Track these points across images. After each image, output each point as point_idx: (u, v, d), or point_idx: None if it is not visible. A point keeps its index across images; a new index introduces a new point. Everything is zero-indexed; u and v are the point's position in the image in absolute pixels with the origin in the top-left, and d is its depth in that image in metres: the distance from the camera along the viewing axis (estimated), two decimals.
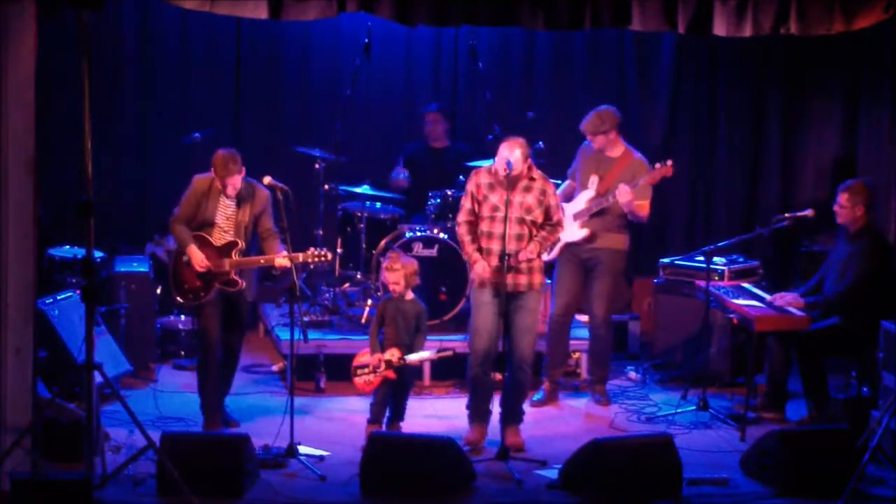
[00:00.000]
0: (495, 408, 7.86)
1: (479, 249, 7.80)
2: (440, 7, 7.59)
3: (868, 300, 8.28)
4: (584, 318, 9.16)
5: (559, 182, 9.02)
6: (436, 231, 9.45)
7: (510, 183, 7.67)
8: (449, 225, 9.35)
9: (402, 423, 8.02)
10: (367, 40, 9.63)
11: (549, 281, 8.93)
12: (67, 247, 9.30)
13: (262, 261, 7.93)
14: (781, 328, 8.43)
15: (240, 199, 7.93)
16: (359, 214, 9.70)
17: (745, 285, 8.99)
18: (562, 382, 9.11)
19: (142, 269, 9.41)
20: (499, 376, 7.97)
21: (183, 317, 9.61)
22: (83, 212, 6.62)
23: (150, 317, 9.34)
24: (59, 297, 8.62)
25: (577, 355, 9.42)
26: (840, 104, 10.55)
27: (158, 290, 9.37)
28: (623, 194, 8.56)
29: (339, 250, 9.64)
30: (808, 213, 8.75)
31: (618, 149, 8.80)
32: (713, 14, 7.69)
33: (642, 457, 7.13)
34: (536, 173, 7.86)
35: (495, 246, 7.73)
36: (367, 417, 8.00)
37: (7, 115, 6.84)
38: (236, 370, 8.31)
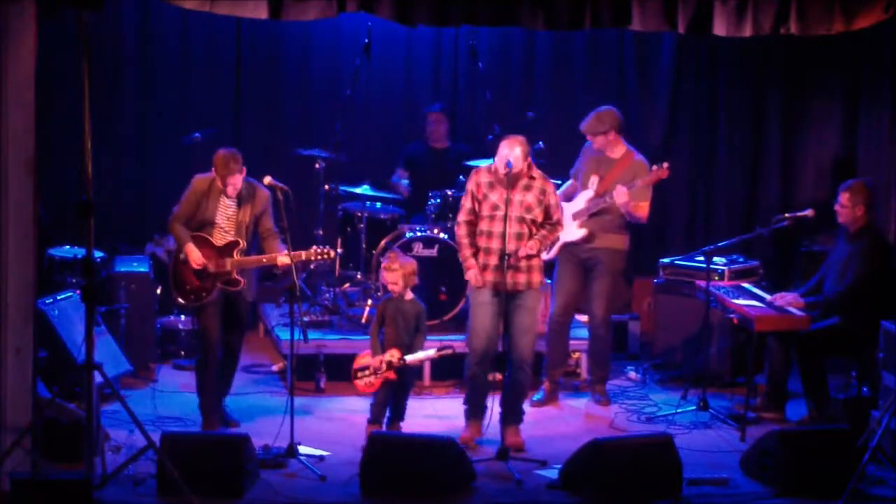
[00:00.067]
0: (495, 407, 7.85)
1: (479, 249, 7.81)
2: (440, 7, 7.59)
3: (868, 300, 8.28)
4: (583, 318, 9.16)
5: (559, 182, 9.03)
6: (436, 231, 9.45)
7: (510, 182, 7.68)
8: (449, 225, 9.35)
9: (402, 423, 8.02)
10: (367, 40, 9.63)
11: (548, 281, 8.94)
12: (67, 247, 9.30)
13: (264, 260, 7.93)
14: (781, 328, 8.43)
15: (240, 200, 7.93)
16: (359, 214, 9.70)
17: (745, 285, 8.99)
18: (562, 382, 9.11)
19: (142, 269, 9.41)
20: (499, 376, 7.99)
21: (183, 317, 9.61)
22: (83, 212, 6.62)
23: (150, 317, 9.34)
24: (59, 297, 8.62)
25: (577, 355, 9.42)
26: (840, 104, 10.54)
27: (158, 290, 9.37)
28: (620, 195, 8.56)
29: (339, 250, 9.64)
30: (808, 213, 8.75)
31: (618, 150, 8.80)
32: (713, 14, 7.69)
33: (642, 457, 7.13)
34: (536, 172, 7.87)
35: (495, 245, 7.73)
36: (368, 417, 8.00)
37: (7, 115, 6.84)
38: (236, 370, 8.31)
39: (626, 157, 8.78)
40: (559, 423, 8.55)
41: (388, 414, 7.99)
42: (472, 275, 7.83)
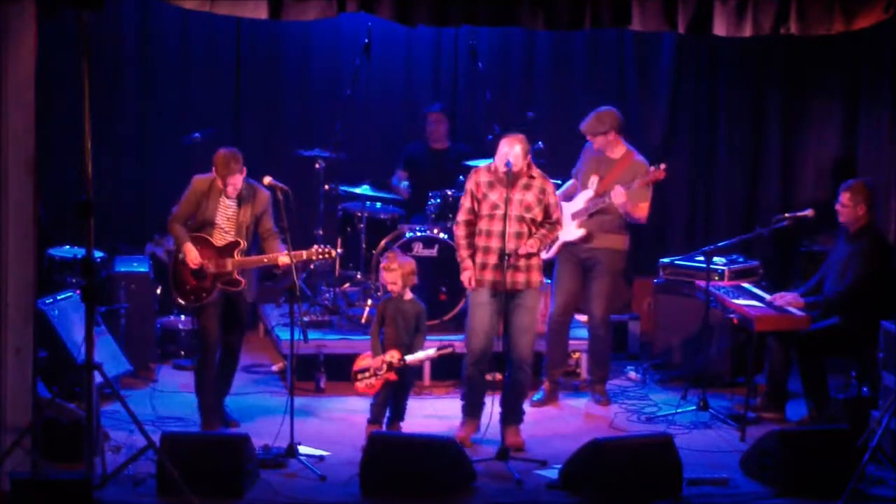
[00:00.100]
0: (495, 407, 7.84)
1: (478, 249, 7.82)
2: (440, 7, 7.59)
3: (868, 300, 8.28)
4: (583, 318, 9.16)
5: (559, 182, 9.03)
6: (436, 231, 9.45)
7: (510, 181, 7.68)
8: (449, 225, 9.35)
9: (402, 423, 8.02)
10: (367, 40, 9.63)
11: (548, 281, 8.94)
12: (67, 247, 9.30)
13: (265, 260, 7.93)
14: (781, 328, 8.43)
15: (240, 200, 7.93)
16: (359, 214, 9.70)
17: (745, 285, 8.99)
18: (562, 382, 9.11)
19: (142, 269, 9.41)
20: (499, 376, 7.99)
21: (183, 317, 9.61)
22: (83, 212, 6.62)
23: (150, 317, 9.34)
24: (59, 297, 8.61)
25: (577, 355, 9.43)
26: (840, 104, 10.54)
27: (158, 290, 9.37)
28: (617, 196, 8.56)
29: (339, 250, 9.64)
30: (808, 213, 8.75)
31: (619, 150, 8.80)
32: (713, 14, 7.69)
33: (642, 457, 7.13)
34: (536, 172, 7.88)
35: (494, 244, 7.74)
36: (368, 417, 8.00)
37: (7, 115, 6.84)
38: (236, 370, 8.31)
39: (627, 158, 8.77)
40: (559, 423, 8.55)
41: (388, 414, 7.99)
42: (466, 277, 7.84)
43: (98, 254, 8.88)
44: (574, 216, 8.78)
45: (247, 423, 8.13)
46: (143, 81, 10.54)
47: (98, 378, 6.76)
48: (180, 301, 8.01)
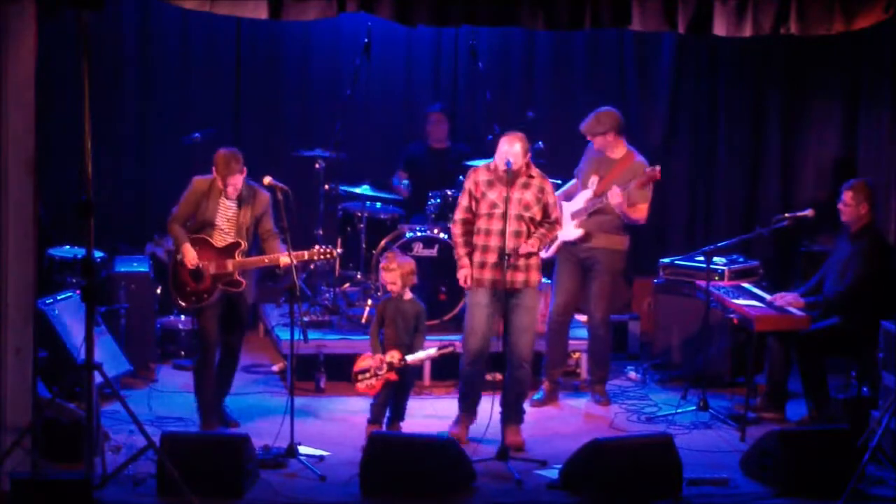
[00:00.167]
0: (495, 407, 7.84)
1: (476, 248, 7.83)
2: (440, 7, 7.59)
3: (868, 300, 8.28)
4: (583, 318, 9.16)
5: (560, 182, 9.04)
6: (436, 231, 9.45)
7: (510, 179, 7.68)
8: (449, 225, 9.34)
9: (402, 423, 8.02)
10: (367, 40, 9.63)
11: (548, 280, 8.94)
12: (67, 247, 9.29)
13: (266, 260, 7.92)
14: (781, 328, 8.43)
15: (240, 201, 7.92)
16: (359, 214, 9.70)
17: (745, 285, 8.99)
18: (561, 382, 9.11)
19: (142, 269, 9.41)
20: (499, 376, 7.99)
21: (183, 317, 9.61)
22: (83, 212, 6.62)
23: (150, 317, 9.34)
24: (59, 297, 8.61)
25: (577, 355, 9.43)
26: (840, 104, 10.54)
27: (158, 290, 9.37)
28: (613, 196, 8.55)
29: (339, 250, 9.63)
30: (808, 213, 8.75)
31: (619, 150, 8.79)
32: (713, 14, 7.69)
33: (642, 457, 7.13)
34: (535, 171, 7.88)
35: (493, 243, 7.75)
36: (368, 417, 8.00)
37: (7, 115, 6.84)
38: (236, 370, 8.30)
39: (627, 159, 8.77)
40: (559, 423, 8.55)
41: (388, 414, 7.99)
42: (462, 275, 7.85)
43: (98, 254, 8.88)
44: (573, 216, 8.78)
45: (247, 423, 8.13)
46: (143, 81, 10.54)
47: (98, 378, 6.76)
48: (181, 303, 8.01)
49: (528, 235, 7.81)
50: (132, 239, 10.24)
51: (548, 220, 7.89)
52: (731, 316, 8.66)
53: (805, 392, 8.41)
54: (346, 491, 7.10)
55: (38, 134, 6.92)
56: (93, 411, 6.76)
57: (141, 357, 9.13)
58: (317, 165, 9.77)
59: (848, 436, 7.34)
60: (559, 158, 9.66)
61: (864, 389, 8.19)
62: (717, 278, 9.28)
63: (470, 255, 7.86)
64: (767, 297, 8.64)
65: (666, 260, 9.80)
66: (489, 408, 7.74)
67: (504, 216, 7.67)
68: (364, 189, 9.84)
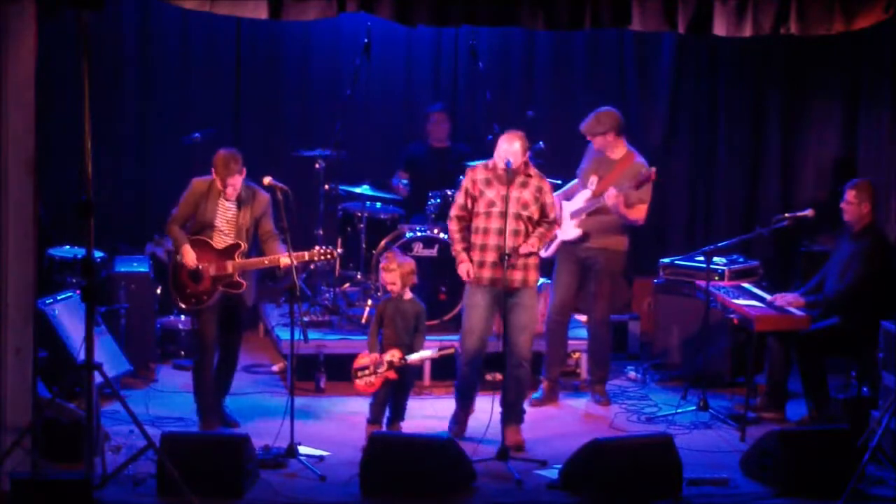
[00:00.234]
0: (495, 407, 7.83)
1: (474, 247, 7.84)
2: (440, 7, 7.59)
3: (868, 300, 8.28)
4: (583, 318, 9.16)
5: (560, 182, 9.04)
6: (436, 231, 9.44)
7: (510, 179, 7.68)
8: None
9: (402, 423, 8.02)
10: (367, 40, 9.62)
11: (548, 280, 8.95)
12: (67, 247, 9.29)
13: (266, 261, 7.92)
14: (781, 328, 8.43)
15: (240, 203, 7.91)
16: (359, 214, 9.70)
17: (745, 285, 8.99)
18: (561, 382, 9.11)
19: (142, 269, 9.41)
20: (499, 376, 7.99)
21: (183, 317, 9.61)
22: (83, 212, 6.62)
23: (150, 317, 9.34)
24: (59, 297, 8.61)
25: (577, 355, 9.42)
26: (840, 104, 10.55)
27: (158, 290, 9.37)
28: (609, 197, 8.55)
29: (339, 250, 9.63)
30: (808, 213, 8.75)
31: (619, 151, 8.79)
32: (713, 14, 7.69)
33: (642, 457, 7.13)
34: (532, 170, 7.89)
35: (491, 241, 7.76)
36: (367, 417, 8.00)
37: (7, 115, 6.84)
38: (235, 371, 8.30)
39: (627, 159, 8.77)
40: (559, 423, 8.55)
41: (387, 414, 7.99)
42: (463, 269, 7.86)
43: (98, 254, 8.88)
44: (572, 215, 8.78)
45: (247, 423, 8.13)
46: (143, 81, 10.54)
47: (98, 378, 6.76)
48: (181, 305, 8.00)
49: (526, 234, 7.82)
50: (132, 239, 10.24)
51: (546, 220, 7.89)
52: (731, 316, 8.67)
53: (805, 392, 8.41)
54: (346, 491, 7.10)
55: (38, 134, 6.91)
56: (93, 411, 6.76)
57: (141, 357, 9.12)
58: (317, 165, 9.77)
59: (848, 436, 7.34)
60: (559, 158, 9.66)
61: (864, 389, 8.19)
62: (717, 278, 9.28)
63: (467, 251, 7.86)
64: (767, 297, 8.64)
65: (666, 260, 9.80)
66: (489, 408, 7.74)
67: (501, 215, 7.68)
68: (364, 189, 9.84)
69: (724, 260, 9.50)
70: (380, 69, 10.34)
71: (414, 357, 7.93)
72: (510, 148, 7.71)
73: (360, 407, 8.34)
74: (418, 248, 9.36)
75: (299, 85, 10.79)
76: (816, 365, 8.34)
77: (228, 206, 7.91)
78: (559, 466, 7.32)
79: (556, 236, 8.61)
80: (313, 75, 10.77)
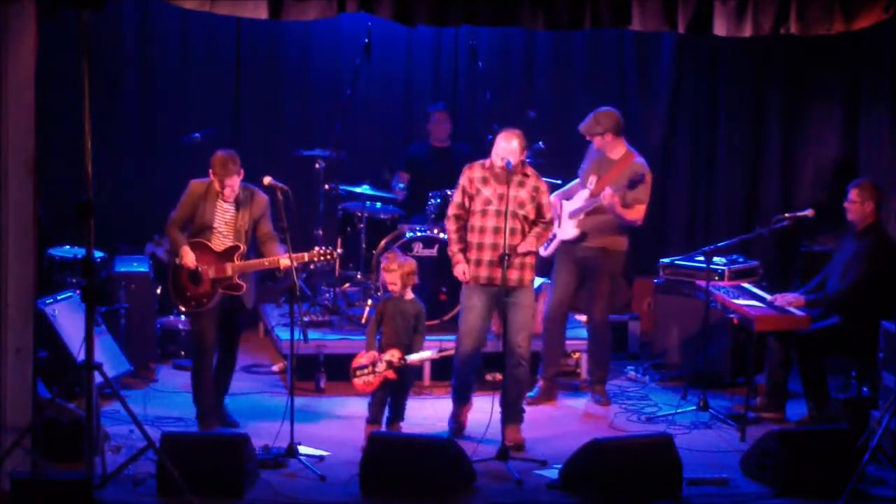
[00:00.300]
0: (495, 407, 7.83)
1: (471, 246, 7.85)
2: (440, 7, 7.59)
3: (869, 300, 8.28)
4: (583, 318, 9.16)
5: (558, 182, 9.04)
6: (436, 231, 9.44)
7: (509, 178, 7.68)
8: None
9: (401, 423, 8.02)
10: (367, 40, 9.62)
11: (548, 280, 8.94)
12: (67, 247, 9.30)
13: (266, 263, 7.91)
14: (781, 328, 8.43)
15: (238, 204, 7.90)
16: (359, 214, 9.70)
17: (745, 285, 8.99)
18: (561, 382, 9.10)
19: (142, 269, 9.41)
20: (499, 376, 7.99)
21: (183, 317, 9.60)
22: (83, 212, 6.62)
23: (150, 317, 9.34)
24: (59, 297, 8.61)
25: (576, 355, 9.43)
26: (840, 104, 10.55)
27: (158, 290, 9.37)
28: (605, 197, 8.55)
29: (339, 250, 9.64)
30: (808, 213, 8.74)
31: (618, 151, 8.78)
32: (713, 14, 7.69)
33: (642, 457, 7.13)
34: (529, 170, 7.90)
35: (487, 240, 7.78)
36: (366, 417, 8.00)
37: (7, 115, 6.83)
38: (234, 371, 8.29)
39: (626, 159, 8.76)
40: (559, 423, 8.55)
41: (387, 414, 7.99)
42: (459, 270, 7.88)
43: (98, 254, 8.88)
44: (571, 215, 8.78)
45: (247, 423, 8.12)
46: (143, 81, 10.54)
47: (98, 378, 6.76)
48: (181, 307, 7.99)
49: (522, 233, 7.82)
50: (132, 239, 10.24)
51: (542, 220, 7.90)
52: (731, 316, 8.67)
53: (805, 392, 8.41)
54: (346, 491, 7.10)
55: (38, 134, 6.91)
56: (93, 411, 6.75)
57: (141, 357, 9.12)
58: (317, 165, 9.78)
59: (848, 436, 7.34)
60: (559, 158, 9.66)
61: (864, 389, 8.19)
62: (717, 278, 9.28)
63: (464, 251, 7.87)
64: (767, 297, 8.64)
65: (666, 260, 9.80)
66: (489, 408, 7.74)
67: (497, 214, 7.71)
68: (364, 189, 9.84)
69: (724, 260, 9.50)
70: (380, 69, 10.35)
71: (414, 357, 7.93)
72: (508, 146, 7.71)
73: (359, 407, 8.33)
74: (418, 248, 9.36)
75: (299, 85, 10.79)
76: (816, 365, 8.34)
77: (227, 207, 7.90)
78: (559, 466, 7.32)
79: (554, 236, 8.61)
80: (313, 75, 10.77)
